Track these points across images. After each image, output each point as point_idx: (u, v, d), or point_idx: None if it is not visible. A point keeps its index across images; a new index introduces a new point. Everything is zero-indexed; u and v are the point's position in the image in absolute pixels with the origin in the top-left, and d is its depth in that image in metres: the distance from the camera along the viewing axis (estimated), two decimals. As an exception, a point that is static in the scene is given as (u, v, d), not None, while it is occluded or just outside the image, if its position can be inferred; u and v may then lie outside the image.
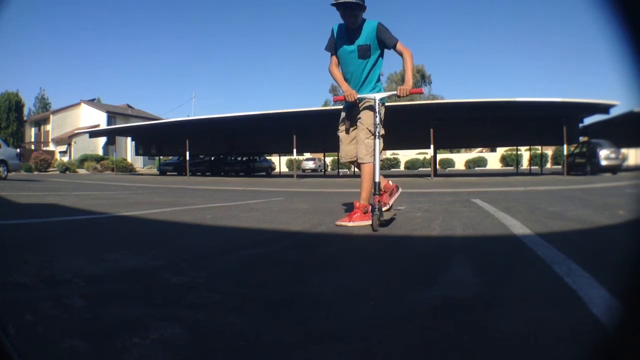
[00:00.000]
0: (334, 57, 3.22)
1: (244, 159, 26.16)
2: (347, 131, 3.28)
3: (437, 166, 23.19)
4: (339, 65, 3.25)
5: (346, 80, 3.19)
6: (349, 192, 6.91)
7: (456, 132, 19.12)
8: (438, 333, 1.09)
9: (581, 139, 18.83)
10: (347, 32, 3.11)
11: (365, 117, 3.12)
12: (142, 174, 26.54)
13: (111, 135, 28.27)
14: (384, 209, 3.04)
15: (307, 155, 34.44)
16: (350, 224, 2.96)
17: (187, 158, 20.92)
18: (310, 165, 33.26)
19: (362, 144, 3.12)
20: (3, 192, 7.06)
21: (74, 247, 2.28)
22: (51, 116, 40.94)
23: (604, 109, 15.46)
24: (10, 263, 1.84)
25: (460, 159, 38.36)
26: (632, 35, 0.65)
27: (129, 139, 31.76)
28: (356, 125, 3.21)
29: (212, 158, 26.14)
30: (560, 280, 1.52)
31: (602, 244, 2.40)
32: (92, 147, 34.64)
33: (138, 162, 37.61)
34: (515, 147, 26.97)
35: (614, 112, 15.61)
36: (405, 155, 37.83)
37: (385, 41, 3.07)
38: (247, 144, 23.67)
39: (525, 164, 30.02)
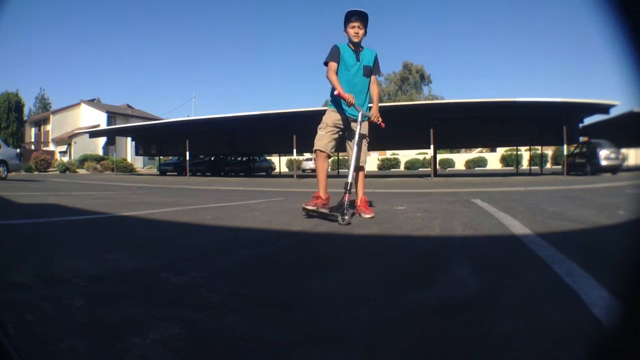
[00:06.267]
0: (334, 64, 3.55)
1: (244, 159, 26.13)
2: (343, 132, 3.71)
3: (437, 166, 23.19)
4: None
5: (346, 91, 3.51)
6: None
7: (456, 132, 19.12)
8: (438, 333, 1.09)
9: (581, 139, 18.82)
10: (353, 51, 3.59)
11: (365, 128, 3.65)
12: (142, 174, 26.54)
13: (111, 135, 28.25)
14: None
15: (307, 155, 34.41)
16: (368, 215, 3.50)
17: (187, 158, 20.92)
18: (310, 165, 33.19)
19: (364, 152, 3.64)
20: (3, 192, 7.06)
21: (74, 247, 2.28)
22: (51, 116, 40.96)
23: (604, 109, 15.44)
24: (10, 263, 1.84)
25: (460, 159, 38.35)
26: (632, 35, 0.65)
27: (129, 139, 31.75)
28: (351, 132, 3.65)
29: (212, 158, 26.13)
30: (560, 280, 1.52)
31: (602, 244, 2.40)
32: (92, 147, 34.64)
33: (138, 162, 37.60)
34: (515, 147, 26.97)
35: (614, 112, 15.60)
36: (405, 155, 37.83)
37: (375, 70, 3.71)
38: (247, 144, 23.65)
39: (525, 164, 30.00)
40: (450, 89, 75.86)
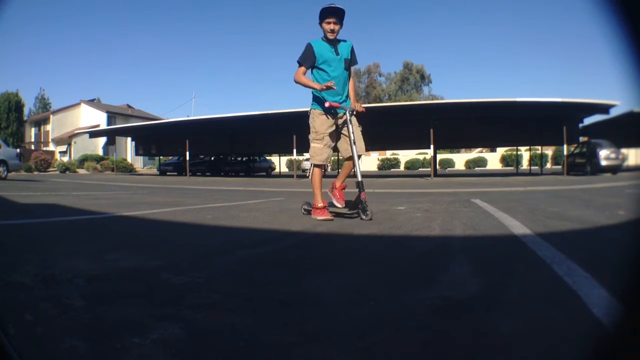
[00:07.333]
0: (303, 68, 3.51)
1: (244, 159, 26.13)
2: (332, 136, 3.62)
3: (437, 166, 23.17)
4: (313, 75, 3.58)
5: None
6: (349, 191, 6.90)
7: (456, 132, 19.11)
8: (438, 333, 1.09)
9: (581, 139, 18.81)
10: (330, 45, 3.50)
11: (355, 121, 3.57)
12: (142, 174, 26.54)
13: (111, 135, 28.25)
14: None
15: (307, 155, 34.40)
16: (339, 205, 3.58)
17: (187, 158, 20.91)
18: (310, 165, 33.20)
19: (360, 141, 3.55)
20: (3, 192, 7.06)
21: (74, 247, 2.28)
22: (51, 116, 40.93)
23: (604, 109, 15.44)
24: (10, 263, 1.84)
25: (460, 159, 38.33)
26: (632, 35, 0.65)
27: (129, 139, 31.73)
28: (340, 129, 3.61)
29: (212, 158, 26.12)
30: (560, 280, 1.52)
31: (602, 244, 2.40)
32: (92, 147, 34.61)
33: (138, 162, 37.58)
34: (515, 147, 26.96)
35: (614, 112, 15.60)
36: (405, 155, 37.81)
37: (353, 61, 3.61)
38: (247, 144, 23.65)
39: (525, 164, 29.99)
40: (450, 89, 75.81)
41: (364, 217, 3.32)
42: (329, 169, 35.07)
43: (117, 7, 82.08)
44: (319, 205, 3.49)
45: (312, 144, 3.60)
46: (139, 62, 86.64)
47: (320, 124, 3.55)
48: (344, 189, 3.71)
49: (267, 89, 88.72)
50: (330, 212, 3.52)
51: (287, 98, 79.98)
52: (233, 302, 1.35)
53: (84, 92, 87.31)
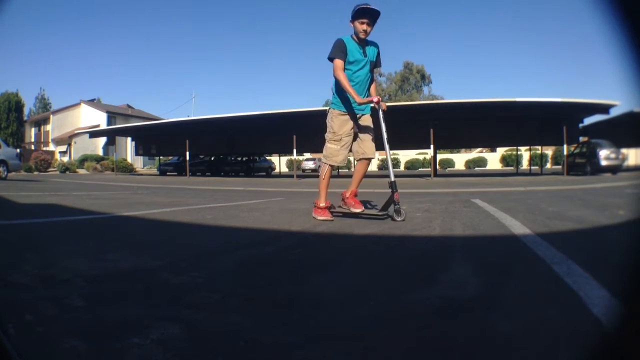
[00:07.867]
0: (342, 62, 3.36)
1: (244, 159, 26.15)
2: (355, 135, 3.57)
3: (437, 166, 23.18)
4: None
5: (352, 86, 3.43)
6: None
7: (456, 132, 19.11)
8: (438, 333, 1.09)
9: (581, 139, 18.81)
10: (359, 45, 3.44)
11: (371, 121, 3.57)
12: (142, 174, 26.54)
13: (111, 135, 28.26)
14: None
15: (307, 155, 34.38)
16: (358, 209, 3.50)
17: (187, 158, 20.92)
18: (310, 165, 33.17)
19: (372, 142, 3.56)
20: (3, 192, 7.06)
21: (74, 247, 2.28)
22: (51, 116, 40.94)
23: (604, 109, 15.44)
24: (10, 263, 1.84)
25: (460, 159, 38.34)
26: (632, 35, 0.65)
27: (129, 139, 31.75)
28: (360, 128, 3.54)
29: (212, 158, 26.13)
30: (560, 281, 1.52)
31: (602, 244, 2.40)
32: (92, 147, 34.63)
33: (138, 162, 37.58)
34: (515, 147, 26.97)
35: (614, 112, 15.60)
36: (405, 155, 37.81)
37: (378, 64, 3.59)
38: (247, 144, 23.66)
39: (525, 164, 30.01)
40: (450, 89, 75.90)
41: (397, 218, 3.21)
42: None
43: (117, 7, 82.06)
44: (321, 205, 3.47)
45: (328, 144, 3.52)
46: (139, 62, 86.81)
47: (339, 125, 3.48)
48: (356, 194, 3.62)
49: (267, 89, 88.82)
50: (362, 215, 3.46)
51: (287, 98, 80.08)
52: (233, 302, 1.35)
53: (84, 92, 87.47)
